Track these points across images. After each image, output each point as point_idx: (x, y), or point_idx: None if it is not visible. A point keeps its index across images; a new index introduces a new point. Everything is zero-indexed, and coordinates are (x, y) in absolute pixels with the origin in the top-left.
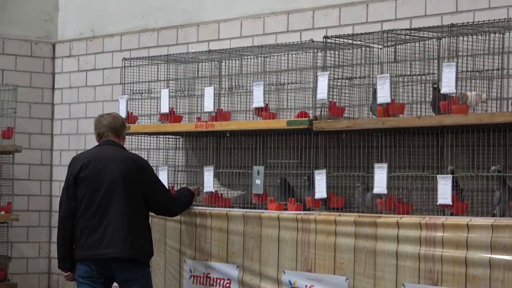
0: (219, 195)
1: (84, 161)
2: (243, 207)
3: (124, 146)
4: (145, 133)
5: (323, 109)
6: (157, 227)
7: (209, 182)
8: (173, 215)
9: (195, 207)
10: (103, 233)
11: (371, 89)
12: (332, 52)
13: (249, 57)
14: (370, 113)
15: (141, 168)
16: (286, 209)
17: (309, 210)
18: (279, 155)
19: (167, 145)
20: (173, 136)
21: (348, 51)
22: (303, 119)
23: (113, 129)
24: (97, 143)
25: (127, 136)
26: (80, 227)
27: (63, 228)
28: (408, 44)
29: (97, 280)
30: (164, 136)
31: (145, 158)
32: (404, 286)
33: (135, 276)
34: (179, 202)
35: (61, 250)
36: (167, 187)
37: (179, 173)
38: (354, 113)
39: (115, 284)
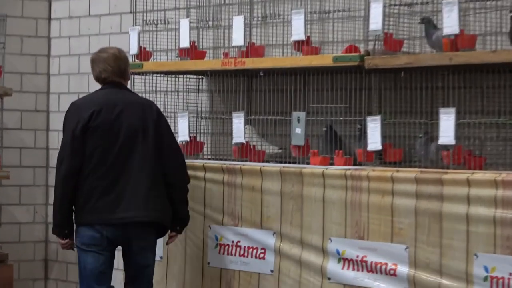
0: (251, 147)
1: (95, 108)
2: (280, 162)
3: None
4: (161, 72)
5: (377, 43)
6: None
7: (239, 131)
8: (183, 184)
9: (222, 162)
10: (120, 193)
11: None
12: None
13: None
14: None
15: (160, 116)
16: (332, 164)
17: (360, 164)
18: (323, 99)
19: (187, 87)
20: (195, 76)
21: None
22: (353, 54)
23: (118, 70)
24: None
25: (140, 77)
26: (87, 187)
27: (64, 189)
28: None
29: (105, 248)
30: (184, 76)
31: (162, 103)
32: (477, 256)
33: (153, 243)
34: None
35: (59, 214)
36: (188, 137)
37: (202, 120)
38: (415, 47)
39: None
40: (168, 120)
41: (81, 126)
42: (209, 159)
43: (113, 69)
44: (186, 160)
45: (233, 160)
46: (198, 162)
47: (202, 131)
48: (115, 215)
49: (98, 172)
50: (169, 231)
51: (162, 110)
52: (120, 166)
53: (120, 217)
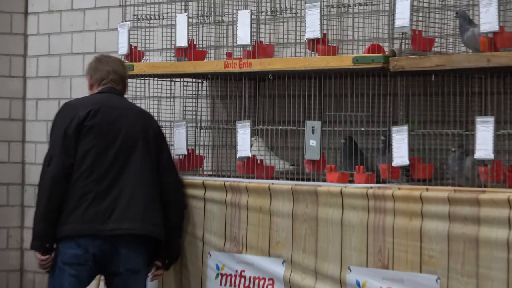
0: (259, 161)
1: (92, 107)
2: (292, 179)
3: None
4: (155, 75)
5: (403, 41)
6: None
7: (244, 143)
8: (181, 206)
9: (224, 179)
10: (114, 201)
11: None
12: None
13: None
14: None
15: (160, 131)
16: (352, 181)
17: (384, 182)
18: (342, 106)
19: (185, 92)
20: (194, 80)
21: None
22: (376, 55)
23: (123, 78)
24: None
25: (130, 80)
26: (78, 192)
27: (52, 193)
28: None
29: (89, 269)
30: (182, 80)
31: (156, 110)
32: None
33: (144, 268)
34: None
35: (43, 224)
36: (185, 150)
37: (202, 130)
38: (448, 46)
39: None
40: (163, 131)
41: (76, 124)
42: (209, 175)
43: (122, 72)
44: (183, 177)
45: (237, 177)
46: (197, 179)
47: (201, 143)
48: (106, 225)
49: (91, 176)
50: (153, 268)
51: (156, 118)
52: (117, 171)
53: (111, 228)
